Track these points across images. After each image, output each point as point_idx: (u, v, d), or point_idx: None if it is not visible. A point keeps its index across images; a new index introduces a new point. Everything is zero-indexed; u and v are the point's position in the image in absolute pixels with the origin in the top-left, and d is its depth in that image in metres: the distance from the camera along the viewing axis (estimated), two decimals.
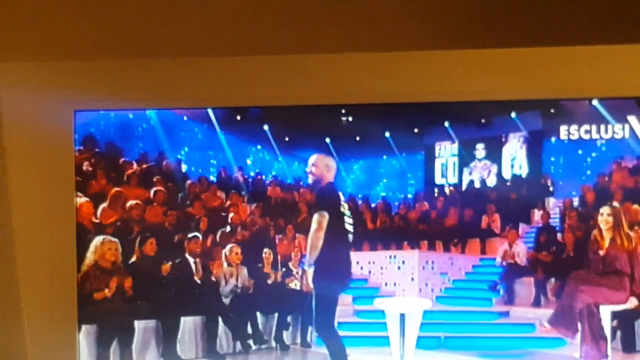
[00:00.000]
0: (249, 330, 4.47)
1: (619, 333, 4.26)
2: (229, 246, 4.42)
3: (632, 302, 4.14)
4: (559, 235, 4.49)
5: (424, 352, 4.13)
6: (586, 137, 4.14)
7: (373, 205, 4.73)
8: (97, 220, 4.19)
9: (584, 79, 3.52)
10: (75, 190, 3.90)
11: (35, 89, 3.71)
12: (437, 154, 4.83)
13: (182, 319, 4.37)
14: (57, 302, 3.80)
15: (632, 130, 3.99)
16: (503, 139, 4.75)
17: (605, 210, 4.18)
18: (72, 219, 3.85)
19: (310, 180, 4.31)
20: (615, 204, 4.17)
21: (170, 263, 4.23)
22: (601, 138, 4.11)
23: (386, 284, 4.57)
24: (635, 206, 4.23)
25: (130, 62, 3.76)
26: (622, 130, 4.01)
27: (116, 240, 4.15)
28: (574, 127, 4.14)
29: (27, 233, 3.75)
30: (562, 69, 3.50)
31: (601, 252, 4.20)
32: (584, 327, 4.19)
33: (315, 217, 4.20)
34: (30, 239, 3.75)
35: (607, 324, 4.18)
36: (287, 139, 4.51)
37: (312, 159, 4.30)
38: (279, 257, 4.49)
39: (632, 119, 3.96)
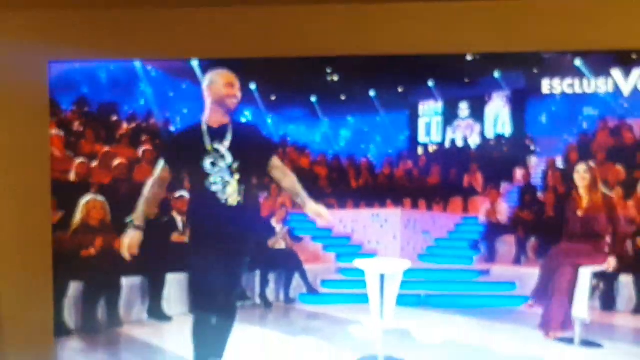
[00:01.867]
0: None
1: (597, 292, 4.38)
2: None
3: (610, 264, 4.24)
4: (539, 194, 4.57)
5: (405, 310, 4.18)
6: (569, 94, 4.15)
7: (357, 163, 4.77)
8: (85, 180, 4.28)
9: (566, 31, 3.54)
10: (50, 146, 3.83)
11: (8, 40, 3.65)
12: (420, 113, 4.91)
13: (168, 275, 4.45)
14: (30, 256, 3.72)
15: (615, 86, 4.01)
16: (487, 98, 4.85)
17: (581, 167, 4.24)
18: (47, 172, 3.74)
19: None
20: (592, 163, 4.26)
21: (158, 221, 4.28)
22: (583, 97, 4.18)
23: (369, 242, 4.64)
24: (618, 166, 4.31)
25: (108, 13, 3.66)
26: (604, 87, 4.05)
27: (103, 199, 4.19)
28: (556, 86, 4.18)
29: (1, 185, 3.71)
30: (544, 22, 3.52)
31: (579, 213, 4.25)
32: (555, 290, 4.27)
33: None
34: (3, 191, 3.69)
35: (586, 285, 4.25)
36: (273, 97, 4.55)
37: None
38: (262, 215, 4.55)
39: (614, 73, 4.00)
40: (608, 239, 4.22)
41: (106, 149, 4.41)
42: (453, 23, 3.53)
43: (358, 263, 4.23)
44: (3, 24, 3.63)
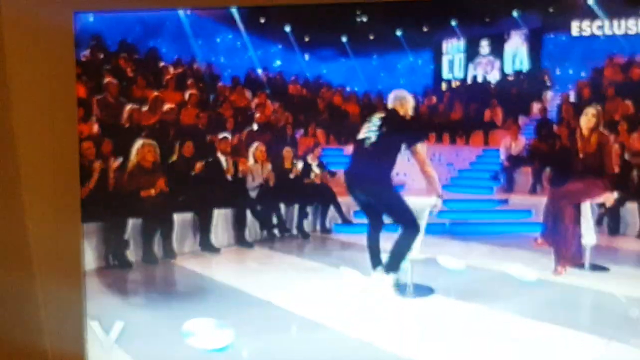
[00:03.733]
0: (274, 220, 5.00)
1: (605, 219, 4.75)
2: (254, 144, 4.90)
3: (607, 198, 4.54)
4: (555, 127, 4.88)
5: (431, 238, 4.49)
6: (582, 32, 4.40)
7: (385, 100, 5.05)
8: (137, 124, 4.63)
9: None
10: (75, 87, 3.90)
11: None
12: (444, 51, 5.17)
13: (216, 211, 4.87)
14: (60, 198, 3.87)
15: (626, 25, 4.25)
16: (506, 36, 5.11)
17: (590, 110, 4.50)
18: (74, 118, 3.87)
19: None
20: (599, 107, 4.51)
21: (204, 162, 4.65)
22: (596, 36, 4.41)
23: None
24: (627, 101, 4.60)
25: None
26: (616, 25, 4.30)
27: (154, 142, 4.55)
28: (571, 25, 4.41)
29: (29, 132, 3.80)
30: None
31: (581, 153, 4.51)
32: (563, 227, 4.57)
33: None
34: (32, 137, 3.81)
35: (588, 217, 4.56)
36: (306, 39, 4.82)
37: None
38: (299, 153, 4.97)
39: (626, 12, 4.21)
40: (607, 175, 4.47)
41: (155, 93, 4.70)
42: None
43: None
44: None
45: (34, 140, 3.79)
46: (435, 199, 4.39)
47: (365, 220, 4.48)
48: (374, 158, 4.36)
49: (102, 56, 4.53)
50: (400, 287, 4.33)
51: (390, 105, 4.42)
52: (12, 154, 3.77)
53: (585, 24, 4.35)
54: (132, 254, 4.60)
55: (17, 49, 3.73)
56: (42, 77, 3.75)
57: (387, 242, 4.39)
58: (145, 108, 4.64)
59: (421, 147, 4.39)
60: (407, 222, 4.35)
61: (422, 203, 4.43)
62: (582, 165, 4.50)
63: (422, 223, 4.37)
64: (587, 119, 4.46)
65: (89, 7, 3.88)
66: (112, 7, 3.94)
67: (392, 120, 4.37)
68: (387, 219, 4.42)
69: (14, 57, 3.72)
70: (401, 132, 4.36)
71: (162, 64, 4.80)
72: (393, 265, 4.34)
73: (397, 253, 4.34)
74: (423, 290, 4.31)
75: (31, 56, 3.73)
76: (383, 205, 4.44)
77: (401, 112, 4.39)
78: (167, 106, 4.69)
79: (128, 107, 4.59)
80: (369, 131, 4.37)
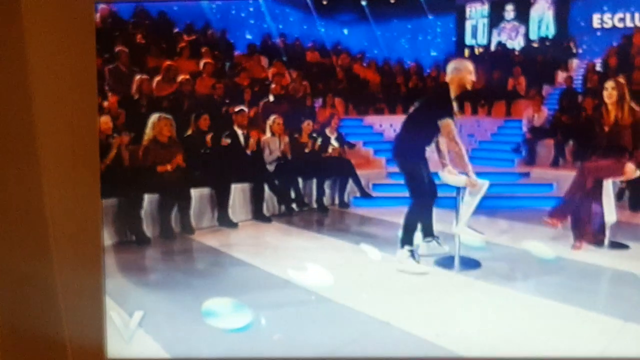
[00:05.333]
0: (292, 194, 4.97)
1: (627, 193, 4.71)
2: (272, 117, 4.83)
3: (628, 173, 4.44)
4: (579, 98, 4.80)
5: (449, 212, 4.54)
6: None
7: (406, 67, 4.95)
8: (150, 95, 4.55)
9: None
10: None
11: None
12: (467, 16, 5.05)
13: (233, 185, 4.84)
14: (79, 174, 3.86)
15: None
16: (531, 0, 4.94)
17: (610, 84, 4.42)
18: (94, 94, 3.84)
19: None
20: (621, 79, 4.41)
21: (221, 136, 4.58)
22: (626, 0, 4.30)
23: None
24: None
25: None
26: None
27: (170, 116, 4.49)
28: None
29: (48, 103, 3.75)
30: None
31: (606, 128, 4.46)
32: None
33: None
34: (51, 110, 3.77)
35: (610, 194, 4.56)
36: (324, 2, 4.67)
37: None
38: (317, 126, 4.89)
39: None
40: (629, 152, 4.39)
41: (168, 62, 4.58)
42: None
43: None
44: None
45: (53, 120, 3.74)
46: (464, 177, 4.38)
47: (385, 194, 4.49)
48: (410, 130, 4.40)
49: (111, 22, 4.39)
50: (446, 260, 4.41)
51: (448, 77, 4.41)
52: (31, 131, 3.73)
53: None
54: (149, 229, 4.59)
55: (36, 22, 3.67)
56: (62, 51, 3.71)
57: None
58: (158, 78, 4.55)
59: (446, 124, 4.36)
60: (415, 194, 4.39)
61: (455, 180, 4.46)
62: (607, 140, 4.45)
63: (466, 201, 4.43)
64: (608, 93, 4.39)
65: None
66: None
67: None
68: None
69: (32, 31, 3.66)
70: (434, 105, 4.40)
71: (175, 30, 4.64)
72: (404, 238, 4.38)
73: (404, 225, 4.40)
74: (470, 264, 4.36)
75: (51, 31, 3.68)
76: (403, 175, 4.46)
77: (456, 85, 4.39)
78: (181, 76, 4.59)
79: (137, 77, 4.50)
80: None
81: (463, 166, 4.36)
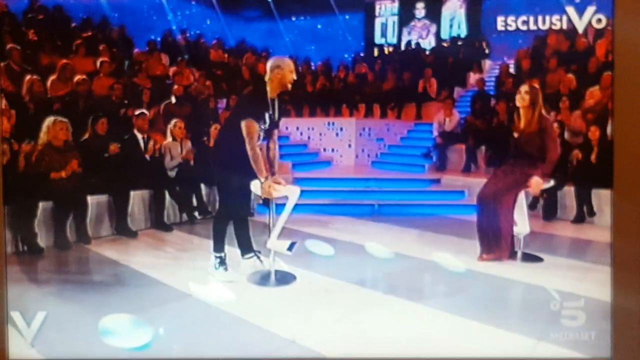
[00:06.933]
0: (194, 202, 4.78)
1: (540, 202, 4.69)
2: (173, 121, 4.63)
3: (535, 185, 4.28)
4: (492, 101, 4.73)
5: (359, 221, 4.42)
6: None
7: (313, 67, 4.81)
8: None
9: None
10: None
11: None
12: (377, 13, 4.92)
13: (132, 192, 4.62)
14: None
15: None
16: None
17: (523, 88, 4.27)
18: None
19: None
20: (534, 83, 4.36)
21: (119, 142, 4.37)
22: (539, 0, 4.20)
23: (325, 150, 4.78)
24: (569, 75, 4.47)
25: None
26: None
27: (66, 120, 4.24)
28: None
29: None
30: None
31: (515, 135, 4.32)
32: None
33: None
34: None
35: (522, 205, 4.38)
36: None
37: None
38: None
39: None
40: (538, 160, 4.28)
41: (64, 61, 4.34)
42: None
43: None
44: None
45: None
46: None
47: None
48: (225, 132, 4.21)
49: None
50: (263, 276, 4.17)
51: (267, 75, 4.09)
52: None
53: None
54: (43, 239, 4.33)
55: None
56: None
57: None
58: (53, 77, 4.32)
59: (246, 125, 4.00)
60: (222, 202, 4.26)
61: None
62: (515, 148, 4.31)
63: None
64: (521, 97, 4.24)
65: None
66: None
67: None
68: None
69: None
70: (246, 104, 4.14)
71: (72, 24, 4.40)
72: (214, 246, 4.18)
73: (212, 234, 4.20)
74: (286, 278, 4.14)
75: None
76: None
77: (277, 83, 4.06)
78: (78, 76, 4.37)
79: (27, 77, 4.22)
80: None
81: (258, 171, 4.01)
